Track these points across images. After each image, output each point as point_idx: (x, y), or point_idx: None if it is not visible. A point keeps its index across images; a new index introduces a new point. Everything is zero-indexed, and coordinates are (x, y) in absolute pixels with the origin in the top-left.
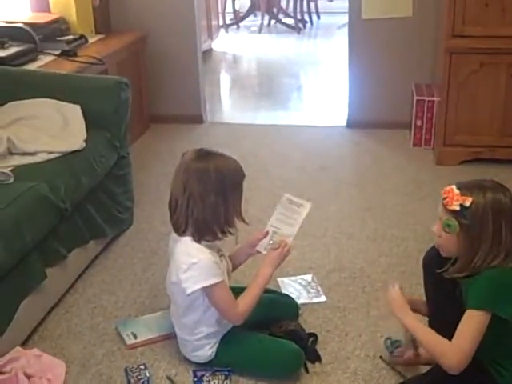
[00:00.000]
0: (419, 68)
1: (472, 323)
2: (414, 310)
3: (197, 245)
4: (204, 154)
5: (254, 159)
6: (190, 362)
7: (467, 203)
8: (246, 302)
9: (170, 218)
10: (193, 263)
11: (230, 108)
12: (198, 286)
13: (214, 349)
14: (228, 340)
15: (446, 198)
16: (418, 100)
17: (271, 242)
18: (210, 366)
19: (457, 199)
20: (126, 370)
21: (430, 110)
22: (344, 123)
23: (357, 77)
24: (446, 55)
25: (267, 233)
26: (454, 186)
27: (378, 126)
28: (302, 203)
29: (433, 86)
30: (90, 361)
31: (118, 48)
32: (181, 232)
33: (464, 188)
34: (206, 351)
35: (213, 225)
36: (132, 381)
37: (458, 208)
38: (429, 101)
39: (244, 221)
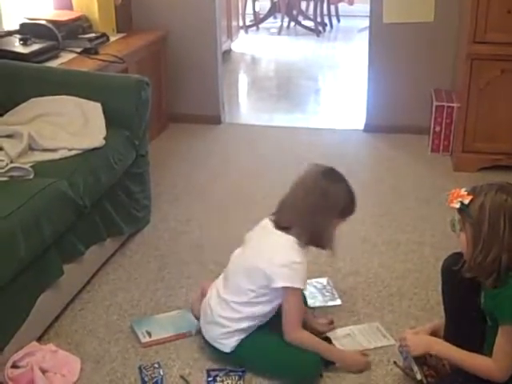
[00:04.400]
0: (439, 73)
1: (506, 338)
2: (434, 335)
3: (300, 248)
4: (334, 175)
5: (271, 161)
6: (204, 361)
7: (466, 201)
8: (309, 338)
9: (276, 212)
10: (295, 262)
11: (247, 109)
12: (289, 284)
13: (239, 341)
14: (251, 337)
15: (449, 198)
16: (437, 106)
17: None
18: (229, 358)
19: (457, 197)
20: (139, 368)
21: (449, 116)
22: (362, 127)
23: (376, 81)
24: (467, 61)
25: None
26: (463, 189)
27: (396, 131)
28: (387, 337)
29: (452, 92)
30: (104, 358)
31: (138, 47)
32: (281, 227)
33: (472, 189)
34: (232, 342)
35: (322, 239)
36: (146, 379)
37: (457, 206)
38: (448, 107)
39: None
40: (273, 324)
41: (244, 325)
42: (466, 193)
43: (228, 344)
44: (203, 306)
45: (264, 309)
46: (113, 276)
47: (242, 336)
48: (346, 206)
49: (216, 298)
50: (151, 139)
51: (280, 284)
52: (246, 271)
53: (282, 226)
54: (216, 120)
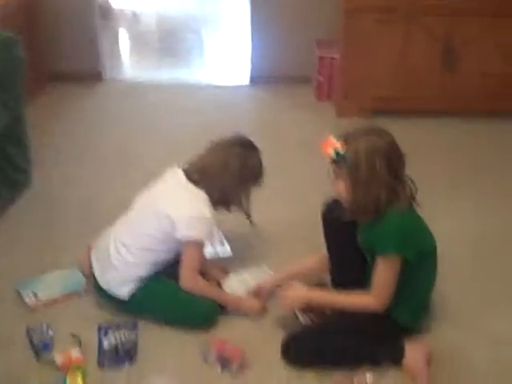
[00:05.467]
0: (321, 24)
1: (385, 269)
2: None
3: (211, 206)
4: (252, 145)
5: (155, 118)
6: (95, 319)
7: (340, 148)
8: (204, 287)
9: (190, 165)
10: (205, 217)
11: (131, 66)
12: (194, 236)
13: (135, 288)
14: (148, 284)
15: (322, 148)
16: (319, 56)
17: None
18: (125, 305)
19: (330, 146)
20: (27, 330)
21: (332, 66)
22: (247, 80)
23: (259, 33)
24: (345, 13)
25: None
26: (332, 136)
27: (282, 82)
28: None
29: (334, 42)
30: None
31: (6, 1)
32: (191, 179)
33: (343, 136)
34: (129, 289)
35: (233, 200)
36: (35, 341)
37: (333, 154)
38: (330, 57)
39: (248, 214)
40: (170, 270)
41: (141, 272)
42: (335, 141)
43: (125, 291)
44: (96, 253)
45: (163, 256)
46: None
47: (139, 284)
48: (260, 174)
49: (113, 242)
50: (29, 99)
51: (185, 234)
52: (153, 217)
53: (191, 178)
54: (97, 77)
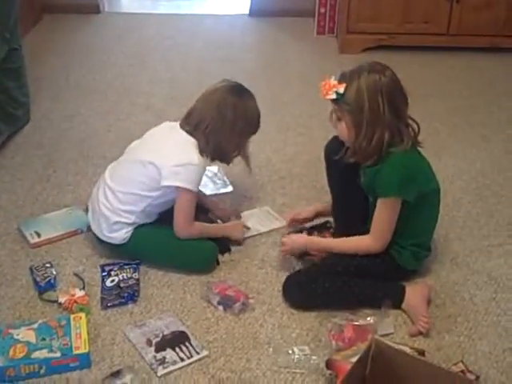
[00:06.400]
0: None
1: (385, 210)
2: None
3: (202, 157)
4: (246, 92)
5: (154, 51)
6: (97, 258)
7: (341, 89)
8: (201, 229)
9: (187, 115)
10: (191, 164)
11: None
12: (179, 184)
13: (130, 233)
14: (142, 229)
15: (323, 91)
16: None
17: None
18: (121, 250)
19: (331, 88)
20: (30, 268)
21: None
22: (247, 11)
23: None
24: None
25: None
26: (332, 78)
27: (282, 15)
28: (279, 219)
29: None
30: None
31: None
32: (186, 129)
33: (342, 76)
34: (122, 234)
35: (230, 152)
36: (38, 279)
37: (334, 96)
38: None
39: (248, 164)
40: (165, 217)
41: (130, 219)
42: (337, 82)
43: (118, 237)
44: (91, 201)
45: (154, 203)
46: None
47: (131, 228)
48: (257, 123)
49: (102, 188)
50: (25, 32)
51: (170, 183)
52: (141, 163)
53: (185, 128)
54: (94, 9)
